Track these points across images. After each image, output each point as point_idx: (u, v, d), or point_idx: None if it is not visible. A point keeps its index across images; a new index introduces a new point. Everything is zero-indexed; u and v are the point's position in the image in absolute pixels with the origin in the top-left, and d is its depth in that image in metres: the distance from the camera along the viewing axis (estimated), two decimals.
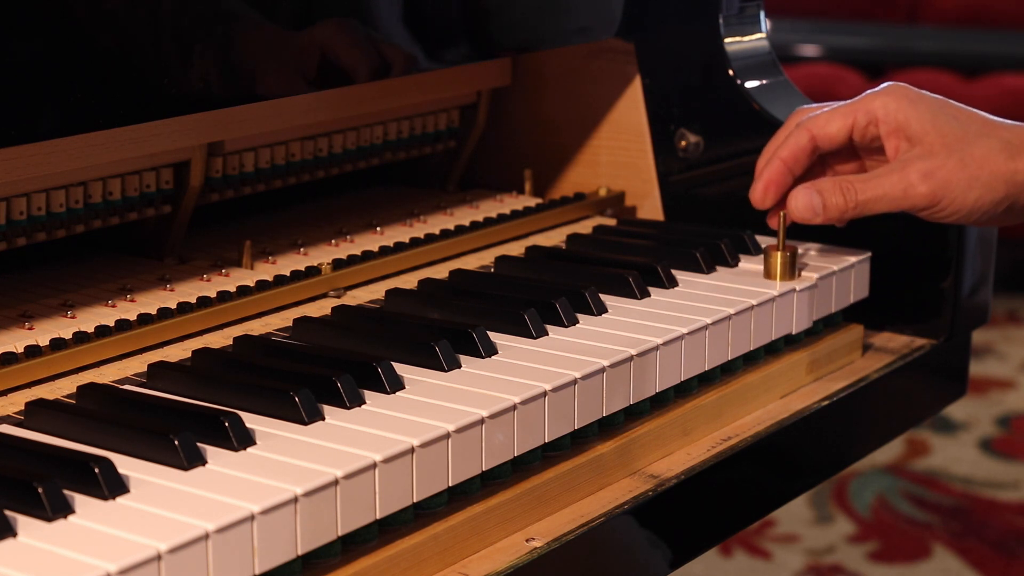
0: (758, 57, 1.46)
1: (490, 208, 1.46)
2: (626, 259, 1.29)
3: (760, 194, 1.28)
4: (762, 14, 1.48)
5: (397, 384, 1.03)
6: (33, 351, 1.06)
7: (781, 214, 1.28)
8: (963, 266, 1.38)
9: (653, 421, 1.14)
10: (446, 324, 1.13)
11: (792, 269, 1.27)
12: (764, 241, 1.36)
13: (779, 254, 1.27)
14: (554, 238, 1.42)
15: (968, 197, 1.21)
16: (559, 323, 1.16)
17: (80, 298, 1.18)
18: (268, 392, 0.99)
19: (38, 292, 1.20)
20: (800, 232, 1.33)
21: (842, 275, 1.31)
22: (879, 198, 1.23)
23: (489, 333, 1.11)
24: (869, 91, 1.28)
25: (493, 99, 1.53)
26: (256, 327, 1.18)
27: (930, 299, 1.39)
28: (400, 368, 1.05)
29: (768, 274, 1.28)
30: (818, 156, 1.29)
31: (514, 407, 1.01)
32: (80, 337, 1.09)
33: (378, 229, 1.38)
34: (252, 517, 0.85)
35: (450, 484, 0.97)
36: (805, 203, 1.25)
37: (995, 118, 1.25)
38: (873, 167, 1.30)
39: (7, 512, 0.83)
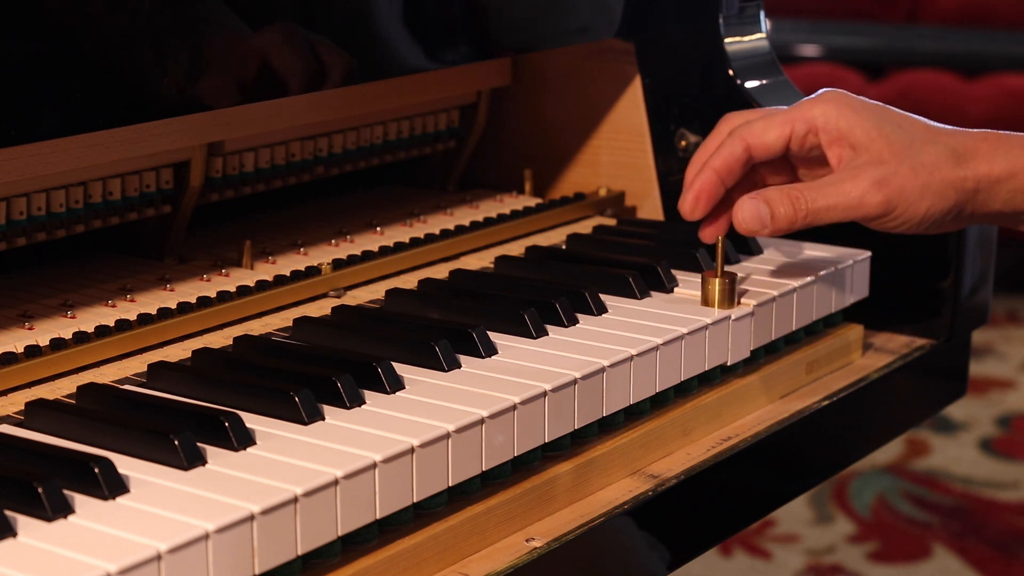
0: (758, 57, 1.46)
1: (490, 208, 1.46)
2: (626, 259, 1.29)
3: (690, 205, 1.22)
4: (762, 14, 1.48)
5: (397, 384, 1.03)
6: (33, 351, 1.06)
7: (720, 238, 1.21)
8: (963, 266, 1.38)
9: (653, 421, 1.14)
10: (446, 324, 1.13)
11: (732, 296, 1.20)
12: (765, 241, 1.36)
13: (717, 280, 1.20)
14: (554, 238, 1.42)
15: (920, 206, 1.17)
16: (559, 323, 1.16)
17: (80, 298, 1.18)
18: (268, 392, 0.99)
19: (38, 292, 1.20)
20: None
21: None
22: (831, 207, 1.18)
23: (489, 333, 1.11)
24: (804, 99, 1.23)
25: (493, 99, 1.53)
26: (256, 327, 1.18)
27: (930, 299, 1.39)
28: (400, 368, 1.05)
29: (705, 302, 1.20)
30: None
31: (514, 407, 1.01)
32: (80, 337, 1.09)
33: (378, 229, 1.38)
34: (252, 517, 0.85)
35: (450, 484, 0.97)
36: (752, 214, 1.18)
37: (936, 124, 1.21)
38: (807, 177, 1.25)
39: (7, 512, 0.83)
